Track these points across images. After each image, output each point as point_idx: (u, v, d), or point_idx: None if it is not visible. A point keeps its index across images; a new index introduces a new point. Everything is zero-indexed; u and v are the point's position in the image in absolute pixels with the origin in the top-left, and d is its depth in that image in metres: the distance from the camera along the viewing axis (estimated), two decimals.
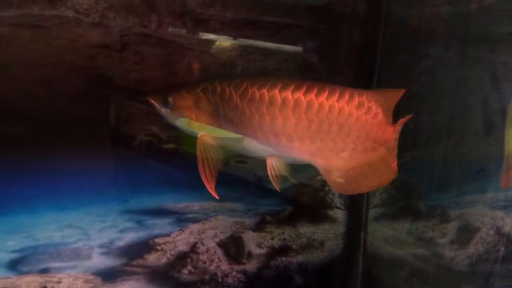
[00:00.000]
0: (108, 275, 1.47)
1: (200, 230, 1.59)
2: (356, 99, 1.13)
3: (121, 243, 1.48)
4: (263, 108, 1.14)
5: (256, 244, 1.65)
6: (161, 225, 1.54)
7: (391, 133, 1.15)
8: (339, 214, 1.77)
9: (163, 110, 1.22)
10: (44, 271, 1.39)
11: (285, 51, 1.59)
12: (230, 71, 1.50)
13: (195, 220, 1.60)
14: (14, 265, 1.35)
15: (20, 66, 1.22)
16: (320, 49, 1.60)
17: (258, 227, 1.66)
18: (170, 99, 1.21)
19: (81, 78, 1.30)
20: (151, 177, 1.50)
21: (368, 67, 1.63)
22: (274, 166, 1.20)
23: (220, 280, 1.61)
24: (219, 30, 1.46)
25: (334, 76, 1.63)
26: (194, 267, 1.58)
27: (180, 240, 1.57)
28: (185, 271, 1.57)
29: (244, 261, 1.64)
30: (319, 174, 1.22)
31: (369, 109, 1.14)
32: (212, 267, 1.60)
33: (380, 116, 1.14)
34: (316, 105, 1.12)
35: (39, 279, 1.38)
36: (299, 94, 1.12)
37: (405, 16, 1.64)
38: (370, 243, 1.78)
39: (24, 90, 1.23)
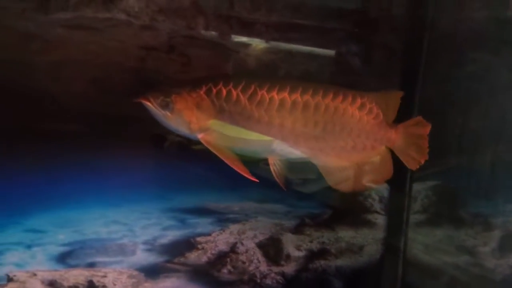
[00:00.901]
0: (151, 271, 1.50)
1: (240, 231, 1.61)
2: (359, 101, 1.18)
3: (164, 240, 1.52)
4: (273, 111, 1.15)
5: (295, 246, 1.66)
6: (202, 224, 1.57)
7: (393, 133, 1.21)
8: (379, 219, 1.75)
9: (161, 113, 1.13)
10: (91, 265, 1.43)
11: (328, 55, 1.60)
12: (273, 73, 1.51)
13: (235, 221, 1.62)
14: (63, 258, 1.40)
15: (74, 66, 1.27)
16: (364, 53, 1.60)
17: (297, 230, 1.67)
18: (170, 101, 1.12)
19: (130, 78, 1.34)
20: (194, 176, 1.52)
21: (412, 71, 1.61)
22: (276, 164, 1.21)
23: (258, 280, 1.62)
24: (264, 33, 1.47)
25: (378, 80, 1.63)
26: (234, 267, 1.60)
27: (220, 239, 1.59)
28: (224, 270, 1.59)
29: (282, 263, 1.64)
30: None
31: (370, 110, 1.19)
32: (251, 268, 1.61)
33: (381, 117, 1.19)
34: (323, 107, 1.16)
35: (85, 272, 1.42)
36: (307, 97, 1.15)
37: (451, 20, 1.61)
38: (410, 249, 1.75)
39: (77, 89, 1.28)
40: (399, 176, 1.61)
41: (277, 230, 1.64)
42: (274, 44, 1.50)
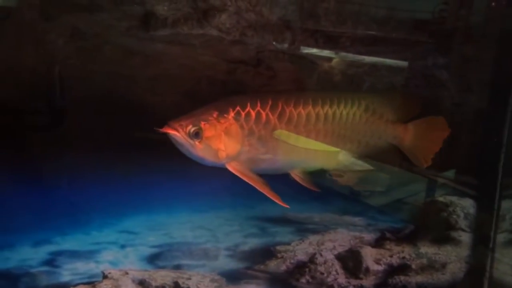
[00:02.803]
0: (232, 276, 1.55)
1: (319, 241, 1.62)
2: (363, 103, 1.25)
3: (245, 247, 1.56)
4: (301, 126, 1.17)
5: (374, 260, 1.64)
6: (282, 233, 1.60)
7: (401, 131, 1.28)
8: (464, 236, 1.69)
9: (189, 143, 1.08)
10: (177, 267, 1.51)
11: (414, 67, 1.58)
12: (357, 87, 1.52)
13: (315, 231, 1.63)
14: (152, 260, 1.49)
15: (170, 79, 1.35)
16: (452, 66, 1.56)
17: (377, 243, 1.65)
18: (199, 129, 1.07)
19: (220, 91, 1.40)
20: (275, 185, 1.56)
21: (503, 85, 1.55)
22: (299, 176, 1.24)
23: None
24: (349, 46, 1.49)
25: (465, 93, 1.58)
26: (312, 277, 1.61)
27: (299, 249, 1.61)
28: (303, 280, 1.60)
29: (361, 276, 1.63)
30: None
31: (374, 111, 1.26)
32: (329, 279, 1.62)
33: (386, 116, 1.27)
34: (338, 115, 1.21)
35: (172, 274, 1.49)
36: (326, 108, 1.19)
37: None
38: (497, 270, 1.68)
39: (171, 101, 1.36)
40: (487, 193, 1.56)
41: (356, 242, 1.64)
42: (358, 57, 1.50)
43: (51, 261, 1.39)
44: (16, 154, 1.41)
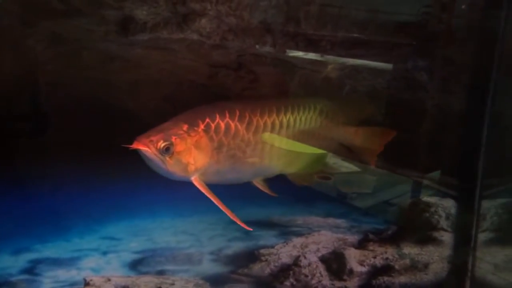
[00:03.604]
0: (216, 281, 1.54)
1: (303, 244, 1.63)
2: (318, 107, 1.29)
3: (229, 251, 1.56)
4: (266, 136, 1.18)
5: (358, 261, 1.65)
6: (266, 236, 1.60)
7: (351, 133, 1.35)
8: (446, 236, 1.71)
9: (160, 158, 1.04)
10: (160, 272, 1.50)
11: (394, 70, 1.59)
12: (338, 89, 1.53)
13: (298, 234, 1.64)
14: (135, 265, 1.48)
15: (149, 84, 1.34)
16: (431, 68, 1.58)
17: (361, 245, 1.66)
18: (171, 144, 1.03)
19: (200, 95, 1.40)
20: (259, 189, 1.56)
21: (482, 87, 1.57)
22: (260, 184, 1.27)
23: None
24: (330, 50, 1.49)
25: (445, 95, 1.60)
26: (296, 280, 1.61)
27: (283, 252, 1.62)
28: (287, 283, 1.60)
29: (345, 277, 1.64)
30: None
31: (327, 114, 1.31)
32: (313, 281, 1.62)
33: (338, 119, 1.33)
34: (298, 121, 1.24)
35: (155, 280, 1.49)
36: (289, 115, 1.21)
37: None
38: (479, 269, 1.70)
39: (152, 106, 1.35)
40: (467, 193, 1.57)
41: (340, 244, 1.64)
42: (340, 60, 1.51)
43: (31, 269, 1.37)
44: None
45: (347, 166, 1.59)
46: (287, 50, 1.47)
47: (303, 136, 1.26)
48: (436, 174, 1.78)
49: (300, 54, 1.49)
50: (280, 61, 1.47)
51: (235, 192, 1.54)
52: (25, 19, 1.31)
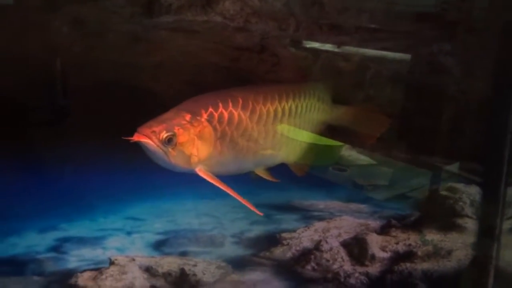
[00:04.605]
0: (238, 263, 1.56)
1: (324, 229, 1.63)
2: (311, 92, 1.26)
3: (250, 234, 1.57)
4: (269, 124, 1.15)
5: (380, 247, 1.64)
6: (287, 220, 1.61)
7: (343, 113, 1.34)
8: (470, 223, 1.69)
9: (163, 150, 0.98)
10: (183, 254, 1.52)
11: (420, 55, 1.57)
12: (362, 73, 1.51)
13: (320, 218, 1.64)
14: (158, 246, 1.50)
15: (173, 67, 1.35)
16: (457, 52, 1.55)
17: (383, 231, 1.65)
18: (174, 135, 0.97)
19: (224, 78, 1.40)
20: (281, 173, 1.56)
21: (509, 72, 1.54)
22: (261, 172, 1.23)
23: (342, 279, 1.62)
24: (354, 33, 1.48)
25: (471, 80, 1.57)
26: (318, 264, 1.61)
27: (305, 236, 1.62)
28: (308, 267, 1.61)
29: (367, 263, 1.63)
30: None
31: (319, 96, 1.28)
32: (335, 266, 1.62)
33: (325, 101, 1.30)
34: (298, 108, 1.21)
35: (178, 261, 1.51)
36: (290, 102, 1.18)
37: None
38: (503, 257, 1.67)
39: (175, 89, 1.36)
40: (493, 180, 1.55)
41: (362, 229, 1.64)
42: (363, 43, 1.50)
43: (58, 247, 1.41)
44: (24, 144, 1.42)
45: (363, 159, 1.58)
46: (311, 34, 1.46)
47: (305, 123, 1.25)
48: (461, 160, 1.76)
49: (323, 37, 1.48)
50: (303, 44, 1.46)
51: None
52: (50, 2, 1.33)
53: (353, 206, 1.63)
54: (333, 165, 1.58)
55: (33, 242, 1.38)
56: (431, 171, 1.76)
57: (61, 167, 1.42)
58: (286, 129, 1.19)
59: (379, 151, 1.64)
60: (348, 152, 1.52)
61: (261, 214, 1.15)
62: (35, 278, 1.37)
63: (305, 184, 1.60)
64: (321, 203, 1.62)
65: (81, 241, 1.42)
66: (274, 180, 1.22)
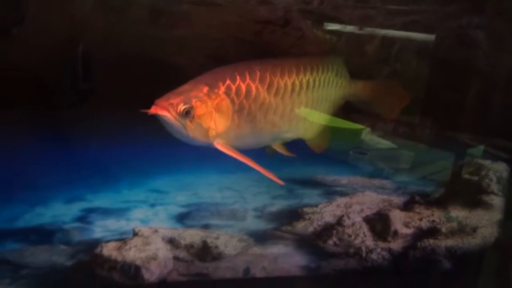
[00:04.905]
0: (260, 237, 1.57)
1: (347, 204, 1.62)
2: (330, 66, 1.24)
3: (272, 208, 1.58)
4: (287, 97, 1.13)
5: (403, 223, 1.63)
6: (310, 195, 1.61)
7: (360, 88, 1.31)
8: (496, 200, 1.66)
9: (181, 123, 0.98)
10: (205, 226, 1.54)
11: (447, 27, 1.53)
12: (388, 47, 1.48)
13: (342, 194, 1.63)
14: (181, 219, 1.52)
15: (196, 41, 1.34)
16: (487, 26, 1.50)
17: (406, 207, 1.64)
18: (191, 107, 0.97)
19: (247, 52, 1.39)
20: (303, 148, 1.56)
21: None
22: (277, 146, 1.21)
23: (364, 255, 1.62)
24: (380, 6, 1.44)
25: (500, 54, 1.53)
26: (339, 239, 1.61)
27: (327, 211, 1.62)
28: (330, 242, 1.61)
29: (389, 239, 1.63)
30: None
31: (337, 71, 1.26)
32: (357, 241, 1.62)
33: (342, 75, 1.28)
34: (312, 82, 1.18)
35: (200, 233, 1.53)
36: (308, 75, 1.16)
37: None
38: None
39: (199, 63, 1.36)
40: None
41: (385, 205, 1.63)
42: (389, 17, 1.46)
43: (83, 218, 1.44)
44: (50, 116, 1.44)
45: (384, 143, 1.55)
46: (336, 7, 1.43)
47: (322, 97, 1.24)
48: (488, 137, 1.72)
49: (348, 10, 1.45)
50: (327, 18, 1.44)
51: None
52: None
53: (377, 182, 1.62)
54: (354, 148, 1.56)
55: (59, 212, 1.42)
56: (457, 148, 1.73)
57: (88, 140, 1.45)
58: (304, 103, 1.18)
59: (401, 131, 1.62)
60: (369, 136, 1.50)
61: (283, 183, 1.14)
62: (62, 247, 1.41)
63: (328, 160, 1.59)
64: (344, 179, 1.62)
65: (106, 212, 1.45)
66: (290, 154, 1.21)
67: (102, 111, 1.40)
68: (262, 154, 1.48)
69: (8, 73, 1.31)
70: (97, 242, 1.41)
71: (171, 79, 1.32)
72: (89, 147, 1.41)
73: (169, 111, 0.96)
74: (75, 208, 1.44)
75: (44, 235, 1.40)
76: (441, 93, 1.60)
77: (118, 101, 1.36)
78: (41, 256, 1.38)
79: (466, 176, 1.65)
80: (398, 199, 1.62)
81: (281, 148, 1.20)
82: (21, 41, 1.32)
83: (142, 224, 1.48)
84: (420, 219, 1.63)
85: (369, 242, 1.62)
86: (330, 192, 1.60)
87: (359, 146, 1.54)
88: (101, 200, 1.45)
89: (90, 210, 1.45)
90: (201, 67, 1.35)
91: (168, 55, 1.35)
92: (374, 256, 1.61)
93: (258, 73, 1.08)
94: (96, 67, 1.39)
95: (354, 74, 1.39)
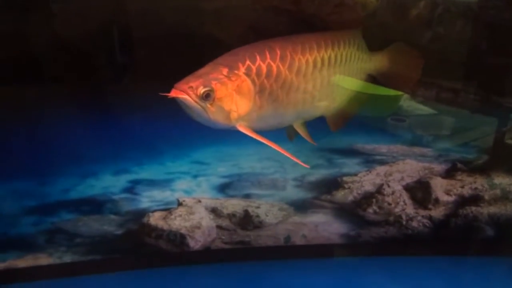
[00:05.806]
0: (300, 206, 1.60)
1: (387, 173, 1.62)
2: (352, 41, 1.20)
3: (312, 178, 1.59)
4: (309, 74, 1.09)
5: (444, 191, 1.62)
6: (349, 164, 1.61)
7: (379, 61, 1.27)
8: None
9: (201, 106, 0.96)
10: (246, 196, 1.57)
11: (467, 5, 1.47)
12: (430, 11, 1.44)
13: (382, 162, 1.63)
14: (223, 189, 1.56)
15: (235, 12, 1.34)
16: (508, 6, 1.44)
17: (448, 174, 1.63)
18: (211, 90, 0.95)
19: (286, 21, 1.37)
20: None
21: None
22: (300, 129, 1.19)
23: (404, 222, 1.63)
24: None
25: None
26: (379, 207, 1.62)
27: (366, 180, 1.62)
28: (370, 210, 1.62)
29: (430, 206, 1.63)
30: None
31: (359, 45, 1.22)
32: (397, 209, 1.63)
33: (363, 49, 1.24)
34: (333, 58, 1.15)
35: (242, 202, 1.57)
36: (330, 51, 1.13)
37: None
38: None
39: (237, 34, 1.36)
40: None
41: (426, 173, 1.62)
42: None
43: (131, 189, 1.50)
44: (97, 92, 1.48)
45: (423, 109, 1.52)
46: None
47: (345, 73, 1.20)
48: None
49: None
50: None
51: (320, 119, 1.55)
52: None
53: (417, 149, 1.60)
54: (392, 115, 1.54)
55: (108, 183, 1.48)
56: (500, 114, 1.68)
57: (131, 115, 1.48)
58: (326, 79, 1.17)
59: (444, 97, 1.58)
60: (407, 103, 1.47)
61: (308, 166, 1.15)
62: (112, 216, 1.48)
63: (367, 128, 1.58)
64: (383, 147, 1.61)
65: (151, 183, 1.50)
66: (312, 142, 1.21)
67: (144, 85, 1.43)
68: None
69: (53, 50, 1.35)
70: (144, 212, 1.47)
71: (211, 51, 1.33)
72: (132, 121, 1.45)
73: (189, 95, 0.94)
74: (123, 180, 1.49)
75: (95, 205, 1.47)
76: (486, 57, 1.55)
77: (159, 75, 1.38)
78: (93, 225, 1.45)
79: (509, 141, 1.61)
80: (439, 167, 1.60)
81: (303, 131, 1.19)
82: (63, 18, 1.35)
83: (185, 194, 1.52)
84: (462, 187, 1.62)
85: (410, 210, 1.62)
86: (369, 160, 1.59)
87: (397, 113, 1.52)
88: (146, 172, 1.49)
89: (136, 182, 1.50)
90: (240, 39, 1.35)
91: (207, 27, 1.36)
92: (414, 223, 1.61)
93: (279, 52, 1.05)
94: (136, 41, 1.41)
95: (395, 39, 1.36)
